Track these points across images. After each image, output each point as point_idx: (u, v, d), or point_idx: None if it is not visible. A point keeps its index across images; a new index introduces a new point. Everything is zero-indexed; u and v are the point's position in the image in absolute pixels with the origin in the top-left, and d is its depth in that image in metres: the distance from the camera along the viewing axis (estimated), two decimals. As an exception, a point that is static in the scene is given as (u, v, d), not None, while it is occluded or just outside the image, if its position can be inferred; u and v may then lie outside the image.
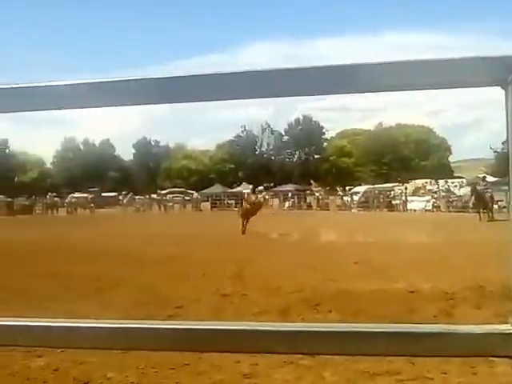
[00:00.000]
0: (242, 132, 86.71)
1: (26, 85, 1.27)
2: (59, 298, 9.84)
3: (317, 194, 53.51)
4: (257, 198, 28.10)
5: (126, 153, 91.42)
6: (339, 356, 5.85)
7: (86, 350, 6.19)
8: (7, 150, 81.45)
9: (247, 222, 25.52)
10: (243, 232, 24.62)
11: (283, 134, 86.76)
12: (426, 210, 41.88)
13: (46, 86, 1.26)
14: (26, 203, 56.76)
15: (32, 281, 11.82)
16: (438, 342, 1.19)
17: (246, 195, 29.12)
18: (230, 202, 55.87)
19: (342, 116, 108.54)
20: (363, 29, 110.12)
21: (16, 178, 77.52)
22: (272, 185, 69.36)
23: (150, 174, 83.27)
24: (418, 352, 1.26)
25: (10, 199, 57.41)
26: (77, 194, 61.46)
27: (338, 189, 55.98)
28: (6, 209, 52.89)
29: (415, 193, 49.35)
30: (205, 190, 61.87)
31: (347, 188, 56.21)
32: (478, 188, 31.23)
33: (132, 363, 6.03)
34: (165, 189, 65.00)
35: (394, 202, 47.58)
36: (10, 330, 1.35)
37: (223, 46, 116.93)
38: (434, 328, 1.21)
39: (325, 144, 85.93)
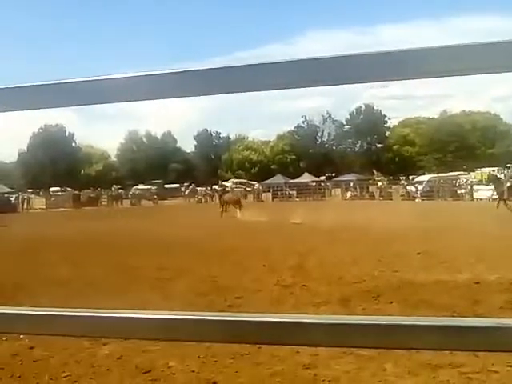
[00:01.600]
0: (303, 122, 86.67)
1: (89, 78, 1.28)
2: (126, 288, 10.09)
3: (379, 184, 52.85)
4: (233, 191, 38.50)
5: (187, 145, 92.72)
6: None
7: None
8: (74, 144, 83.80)
9: (226, 208, 33.09)
10: (221, 215, 31.46)
11: (344, 123, 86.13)
12: (493, 199, 40.66)
13: (107, 79, 1.27)
14: (92, 195, 58.30)
15: (101, 271, 12.15)
16: (499, 336, 1.14)
17: (229, 188, 39.55)
18: (291, 192, 55.87)
19: (405, 104, 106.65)
20: (429, 14, 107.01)
21: (82, 171, 79.70)
22: (334, 175, 69.10)
23: (212, 166, 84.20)
24: (477, 347, 1.20)
25: (76, 191, 59.16)
26: (140, 186, 62.73)
27: (401, 178, 55.21)
28: (72, 201, 54.47)
29: (482, 181, 48.10)
30: (266, 181, 62.01)
31: (411, 177, 55.33)
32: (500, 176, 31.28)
33: (193, 352, 6.10)
34: (226, 180, 65.58)
35: (459, 191, 46.54)
36: (76, 320, 1.37)
37: (282, 36, 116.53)
38: (491, 322, 1.15)
39: (387, 133, 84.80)
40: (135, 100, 1.30)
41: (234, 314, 1.29)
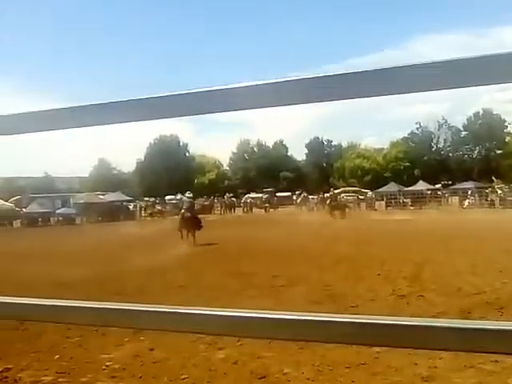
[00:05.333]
0: (417, 129, 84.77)
1: (204, 89, 1.33)
2: (241, 294, 10.27)
3: (499, 192, 50.48)
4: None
5: (298, 153, 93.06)
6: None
7: (263, 345, 6.37)
8: (187, 153, 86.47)
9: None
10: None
11: (461, 129, 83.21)
12: None
13: (221, 89, 1.31)
14: (206, 203, 59.69)
15: (217, 278, 12.47)
16: None
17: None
18: (405, 200, 54.64)
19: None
20: None
21: (196, 180, 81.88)
22: (450, 182, 66.82)
23: (323, 174, 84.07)
24: None
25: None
26: (252, 195, 63.58)
27: (524, 186, 52.46)
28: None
29: None
30: (379, 189, 60.99)
31: (535, 185, 52.43)
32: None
33: (308, 360, 6.07)
34: (338, 188, 65.18)
35: None
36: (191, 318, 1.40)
37: (391, 42, 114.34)
38: None
39: (507, 138, 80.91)
40: (251, 108, 1.32)
41: (356, 315, 1.25)
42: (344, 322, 1.25)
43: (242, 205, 59.00)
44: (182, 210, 23.39)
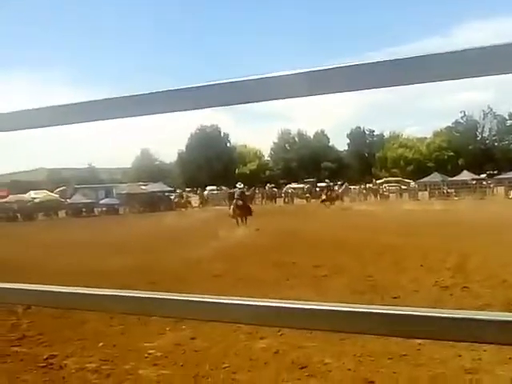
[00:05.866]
0: (462, 118, 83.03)
1: (241, 79, 1.32)
2: (282, 285, 10.29)
3: (546, 182, 49.32)
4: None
5: (340, 143, 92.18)
6: None
7: (304, 335, 6.38)
8: (228, 144, 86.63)
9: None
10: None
11: (507, 118, 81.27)
12: None
13: (258, 78, 1.30)
14: (247, 193, 59.72)
15: (256, 267, 12.50)
16: None
17: None
18: (449, 190, 53.77)
19: None
20: None
21: (237, 170, 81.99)
22: (496, 172, 65.46)
23: (365, 164, 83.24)
24: None
25: (231, 190, 61.05)
26: (293, 185, 63.40)
27: None
28: (228, 199, 56.27)
29: None
30: (422, 179, 60.10)
31: None
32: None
33: (349, 350, 6.05)
34: (380, 178, 64.53)
35: None
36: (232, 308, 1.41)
37: (438, 29, 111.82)
38: None
39: (556, 127, 78.84)
40: (293, 97, 1.31)
41: (394, 307, 1.24)
42: (384, 313, 1.24)
43: (283, 195, 58.91)
44: (234, 200, 27.30)
